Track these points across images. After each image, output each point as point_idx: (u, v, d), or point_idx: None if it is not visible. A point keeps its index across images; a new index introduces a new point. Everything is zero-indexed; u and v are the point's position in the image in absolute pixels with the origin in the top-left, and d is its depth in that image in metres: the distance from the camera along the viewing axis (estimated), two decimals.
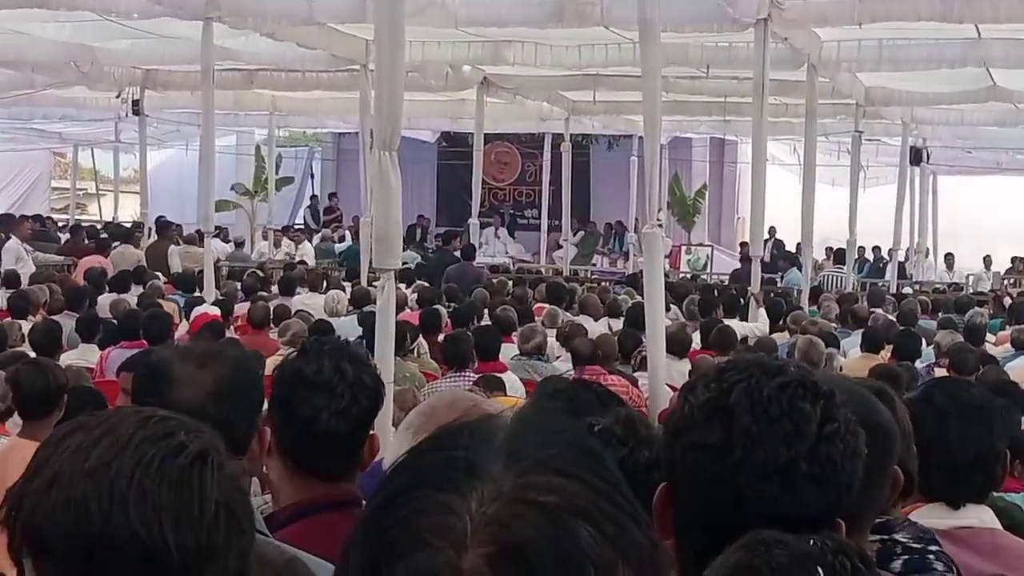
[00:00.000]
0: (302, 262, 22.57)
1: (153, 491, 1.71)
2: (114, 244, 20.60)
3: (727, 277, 23.08)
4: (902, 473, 2.50)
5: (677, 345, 10.97)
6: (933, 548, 2.62)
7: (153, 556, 1.69)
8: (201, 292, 14.71)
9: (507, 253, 30.16)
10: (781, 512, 1.92)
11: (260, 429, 3.04)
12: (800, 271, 18.51)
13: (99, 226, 26.39)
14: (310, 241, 26.87)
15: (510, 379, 9.26)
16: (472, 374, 9.37)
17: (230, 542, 1.77)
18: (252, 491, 3.35)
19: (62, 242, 23.56)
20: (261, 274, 19.06)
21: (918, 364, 10.82)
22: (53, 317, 12.23)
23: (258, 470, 3.19)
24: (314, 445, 3.19)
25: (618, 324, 13.18)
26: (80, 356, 10.45)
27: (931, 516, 3.08)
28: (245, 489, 1.87)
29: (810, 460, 1.93)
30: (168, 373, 2.96)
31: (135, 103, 21.45)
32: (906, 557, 2.61)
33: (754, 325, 13.19)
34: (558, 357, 11.13)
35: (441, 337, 11.11)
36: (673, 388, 9.36)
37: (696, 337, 12.06)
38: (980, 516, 3.13)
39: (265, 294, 15.43)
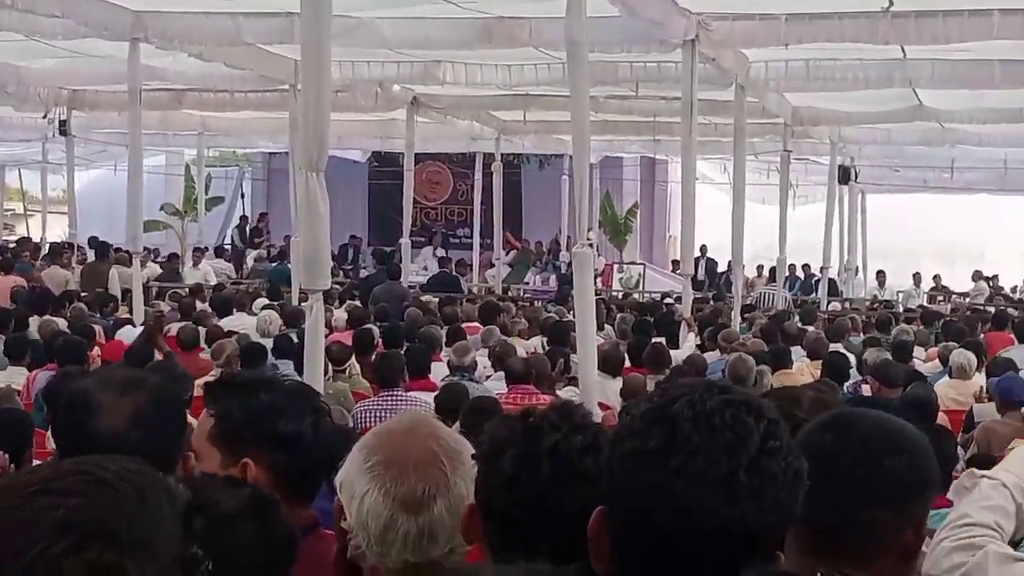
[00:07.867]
0: (235, 282, 22.41)
1: None
2: (40, 264, 20.44)
3: (659, 295, 23.17)
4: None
5: (610, 363, 11.00)
6: None
7: None
8: (130, 313, 14.58)
9: None
10: (718, 524, 1.87)
11: (184, 454, 3.01)
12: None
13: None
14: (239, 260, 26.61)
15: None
16: (403, 392, 9.35)
17: None
18: None
19: None
20: (184, 294, 18.66)
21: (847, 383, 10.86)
22: None
23: None
24: (316, 471, 3.08)
25: None
26: (8, 378, 10.31)
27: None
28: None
29: (750, 473, 1.88)
30: (88, 402, 2.93)
31: (62, 123, 21.32)
32: None
33: (680, 352, 12.98)
34: (489, 376, 11.11)
35: (373, 356, 11.05)
36: (604, 406, 9.40)
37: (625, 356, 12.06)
38: None
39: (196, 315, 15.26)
